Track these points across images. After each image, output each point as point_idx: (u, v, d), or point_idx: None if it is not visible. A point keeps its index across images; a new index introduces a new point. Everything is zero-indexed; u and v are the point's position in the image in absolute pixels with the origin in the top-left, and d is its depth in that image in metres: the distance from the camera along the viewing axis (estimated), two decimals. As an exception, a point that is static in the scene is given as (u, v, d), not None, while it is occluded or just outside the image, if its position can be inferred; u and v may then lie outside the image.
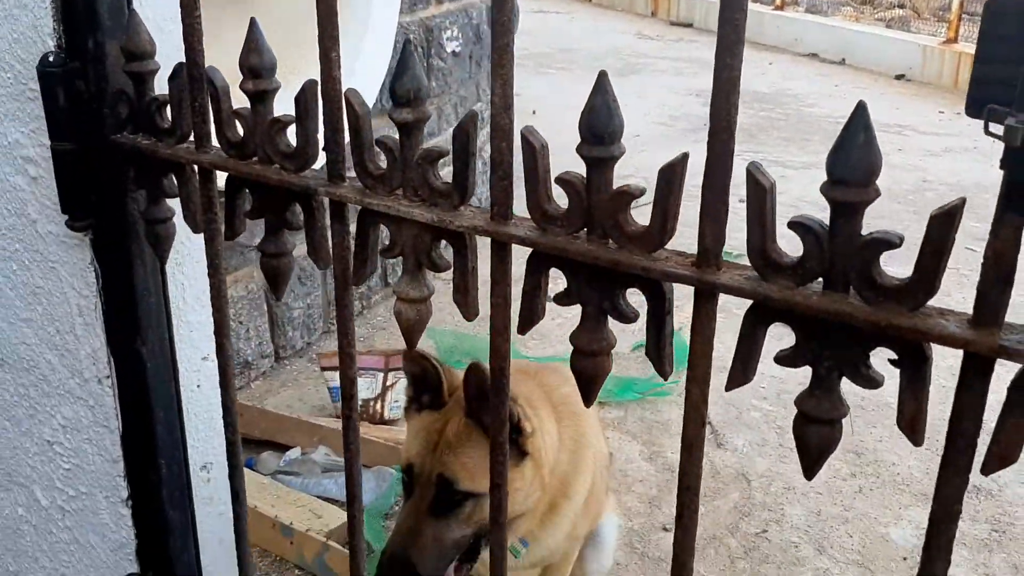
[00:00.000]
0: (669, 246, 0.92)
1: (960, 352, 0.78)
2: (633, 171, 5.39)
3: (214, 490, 1.73)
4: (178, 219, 1.36)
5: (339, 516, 2.89)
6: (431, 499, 1.86)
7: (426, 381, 1.96)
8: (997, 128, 0.72)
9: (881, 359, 0.84)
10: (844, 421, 0.88)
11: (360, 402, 3.63)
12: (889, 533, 3.06)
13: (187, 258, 1.58)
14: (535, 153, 0.95)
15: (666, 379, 0.98)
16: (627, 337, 4.42)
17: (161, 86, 1.29)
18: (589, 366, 1.01)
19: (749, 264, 0.87)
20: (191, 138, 1.26)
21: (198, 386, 1.66)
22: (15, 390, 1.67)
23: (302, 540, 2.77)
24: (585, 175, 0.93)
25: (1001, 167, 0.71)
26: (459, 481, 1.85)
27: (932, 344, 0.80)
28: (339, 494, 3.08)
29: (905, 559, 2.93)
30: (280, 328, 4.02)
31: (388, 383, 3.57)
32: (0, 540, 1.89)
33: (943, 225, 0.76)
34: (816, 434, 0.87)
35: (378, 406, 3.58)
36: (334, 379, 3.60)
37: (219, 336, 1.33)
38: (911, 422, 0.82)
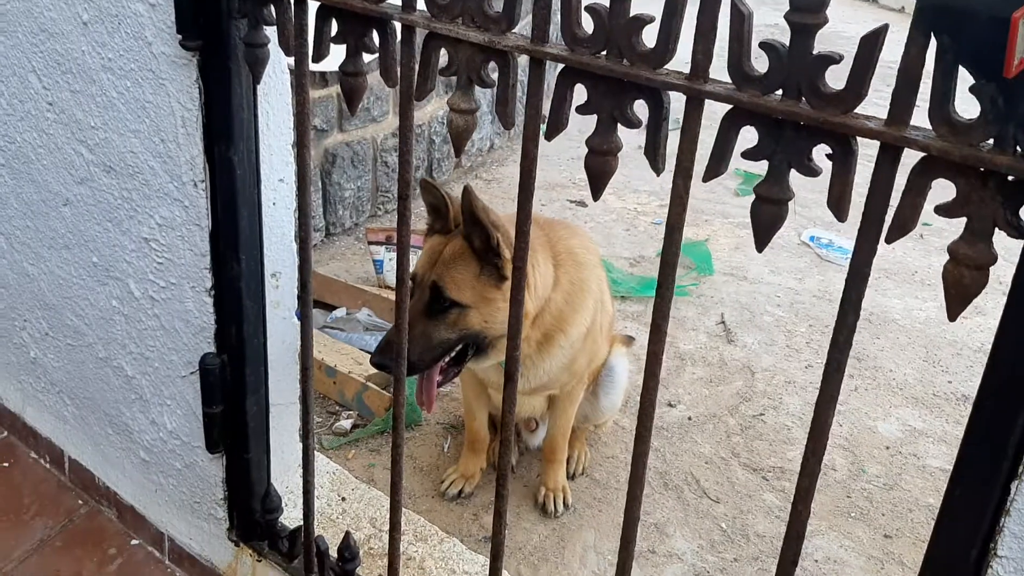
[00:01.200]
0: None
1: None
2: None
3: (281, 296, 2.03)
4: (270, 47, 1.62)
5: (377, 365, 3.22)
6: (425, 302, 2.22)
7: (439, 210, 2.27)
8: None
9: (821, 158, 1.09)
10: (790, 204, 1.14)
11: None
12: (877, 426, 3.33)
13: (272, 90, 1.85)
14: (570, -14, 1.19)
15: (658, 175, 1.24)
16: (655, 244, 4.68)
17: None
18: (599, 163, 1.26)
19: (728, 80, 1.12)
20: (289, -26, 1.51)
21: (273, 204, 1.95)
22: (119, 194, 1.97)
23: (343, 380, 3.10)
24: (608, 5, 1.18)
25: (912, -6, 0.96)
26: (447, 290, 2.20)
27: (857, 141, 1.06)
28: (378, 349, 3.40)
29: (888, 448, 3.20)
30: (332, 206, 4.32)
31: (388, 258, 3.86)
32: (94, 330, 2.22)
33: (869, 45, 1.00)
34: (767, 212, 1.13)
35: (417, 280, 3.88)
36: (379, 253, 3.91)
37: (300, 147, 1.61)
38: (837, 201, 1.08)
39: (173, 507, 2.26)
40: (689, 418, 3.27)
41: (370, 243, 3.94)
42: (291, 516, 2.15)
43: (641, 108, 1.21)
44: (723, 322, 3.96)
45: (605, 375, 2.84)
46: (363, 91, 1.54)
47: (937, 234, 5.21)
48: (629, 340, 3.32)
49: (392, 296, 3.66)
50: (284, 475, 2.20)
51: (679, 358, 3.66)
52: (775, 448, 3.16)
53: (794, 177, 1.12)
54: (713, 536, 2.73)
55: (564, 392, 2.60)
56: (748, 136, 1.10)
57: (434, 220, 2.33)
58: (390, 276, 3.88)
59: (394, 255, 3.73)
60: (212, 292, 1.90)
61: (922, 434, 3.31)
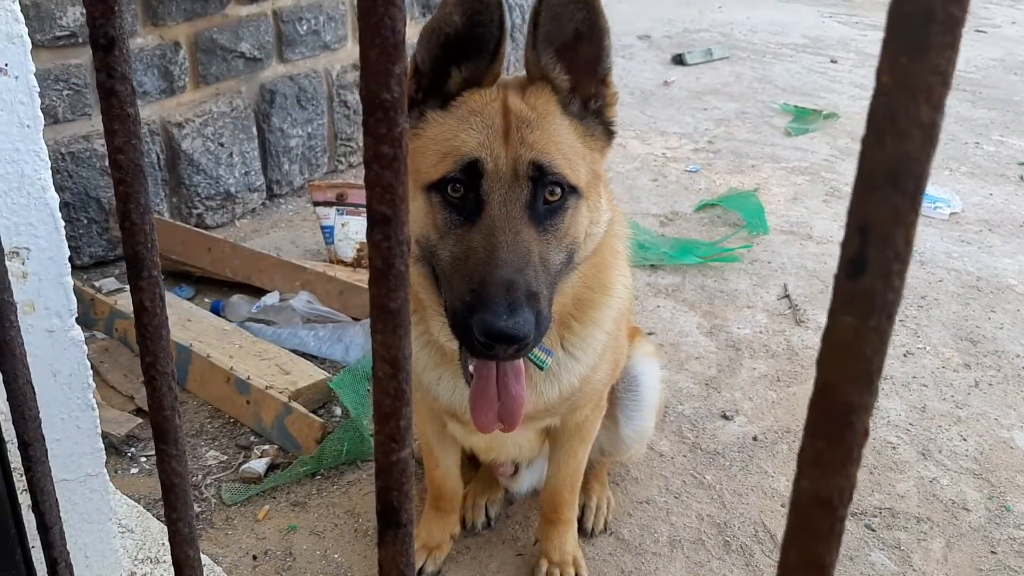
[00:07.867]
0: None
1: None
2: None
3: (35, 292, 1.11)
4: None
5: (311, 373, 2.29)
6: (527, 199, 1.31)
7: (474, 36, 1.31)
8: None
9: None
10: None
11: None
12: (1014, 438, 2.38)
13: None
14: None
15: None
16: (690, 197, 3.72)
17: None
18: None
19: None
20: None
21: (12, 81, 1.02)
22: None
23: (260, 399, 2.17)
24: None
25: None
26: (559, 168, 1.31)
27: None
28: (317, 349, 2.48)
29: (1037, 472, 2.26)
30: (274, 159, 3.38)
31: (341, 223, 2.92)
32: None
33: None
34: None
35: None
36: (328, 216, 2.97)
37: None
38: None
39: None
40: (754, 438, 2.33)
41: (316, 204, 3.00)
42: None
43: None
44: (787, 295, 3.01)
45: (625, 389, 1.90)
46: None
47: (1040, 176, 4.22)
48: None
49: (343, 274, 2.73)
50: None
51: (733, 347, 2.71)
52: (878, 477, 2.22)
53: None
54: (805, 629, 1.80)
55: (573, 423, 1.67)
56: None
57: (441, 66, 1.36)
58: (343, 246, 2.95)
59: (348, 219, 2.79)
60: None
61: (1079, 447, 2.36)
